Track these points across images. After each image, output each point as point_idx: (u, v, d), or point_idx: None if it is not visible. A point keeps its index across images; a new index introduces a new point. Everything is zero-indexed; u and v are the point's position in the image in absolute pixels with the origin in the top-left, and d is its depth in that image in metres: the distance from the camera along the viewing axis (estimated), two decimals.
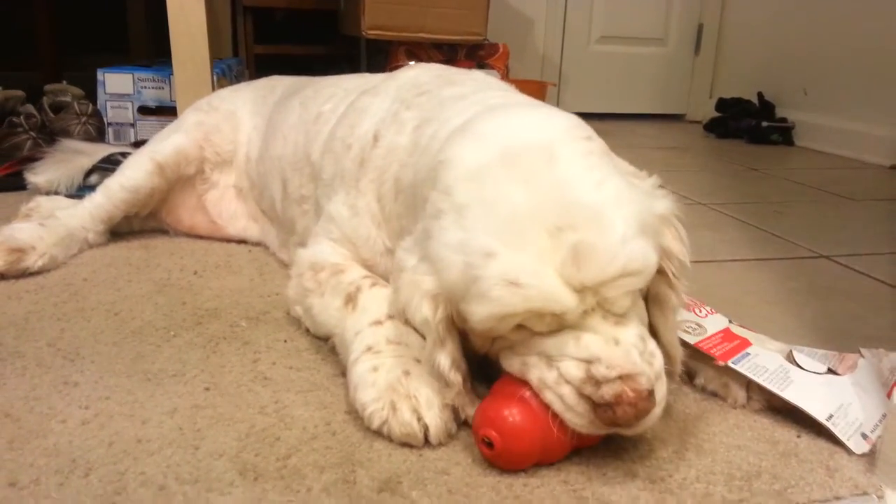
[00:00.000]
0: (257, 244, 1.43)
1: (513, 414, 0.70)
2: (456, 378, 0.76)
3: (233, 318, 1.07)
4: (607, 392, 0.67)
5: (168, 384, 0.87)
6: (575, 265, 0.67)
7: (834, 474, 0.74)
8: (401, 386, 0.78)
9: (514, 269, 0.67)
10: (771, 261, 1.48)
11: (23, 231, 1.24)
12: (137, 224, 1.45)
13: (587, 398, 0.68)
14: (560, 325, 0.70)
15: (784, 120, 3.15)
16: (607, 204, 0.69)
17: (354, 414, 0.81)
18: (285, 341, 1.00)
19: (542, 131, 0.76)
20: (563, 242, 0.67)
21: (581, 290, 0.68)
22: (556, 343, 0.71)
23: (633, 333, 0.71)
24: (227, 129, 1.45)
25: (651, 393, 0.68)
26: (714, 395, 0.88)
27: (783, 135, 3.11)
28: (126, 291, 1.16)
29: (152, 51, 3.37)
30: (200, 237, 1.46)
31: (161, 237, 1.46)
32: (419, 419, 0.76)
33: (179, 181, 1.42)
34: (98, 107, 2.18)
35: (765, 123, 3.13)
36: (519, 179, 0.70)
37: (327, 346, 0.97)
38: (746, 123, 3.17)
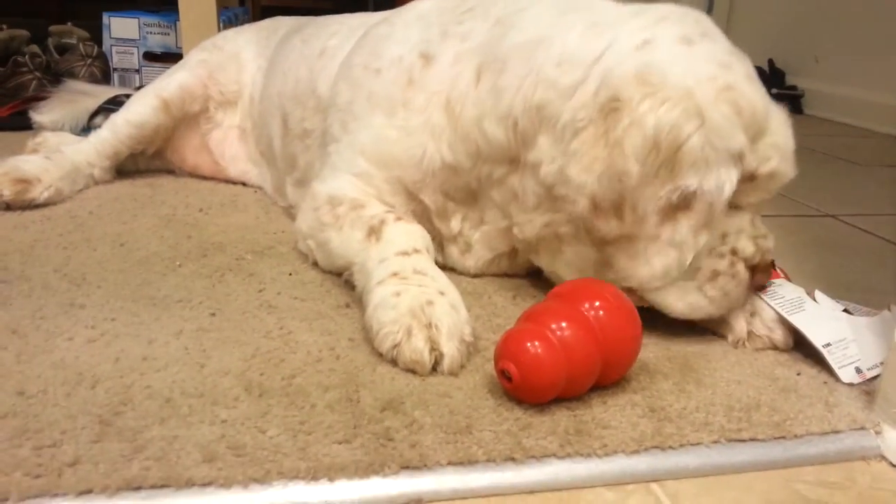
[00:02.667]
0: (257, 188, 1.43)
1: (535, 347, 0.69)
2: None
3: (238, 252, 1.07)
4: (768, 258, 0.87)
5: (174, 309, 0.88)
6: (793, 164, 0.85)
7: (833, 409, 0.75)
8: (422, 313, 0.78)
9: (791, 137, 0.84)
10: (777, 217, 1.47)
11: (29, 163, 1.24)
12: (143, 163, 1.45)
13: (749, 269, 0.85)
14: (755, 200, 0.86)
15: (794, 87, 3.12)
16: None
17: (358, 341, 0.82)
18: (290, 274, 1.00)
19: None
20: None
21: None
22: (736, 223, 0.85)
23: None
24: (232, 69, 1.44)
25: None
26: (714, 333, 0.89)
27: (792, 102, 3.08)
28: (132, 225, 1.16)
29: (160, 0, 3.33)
30: (204, 177, 1.45)
31: (166, 176, 1.46)
32: (432, 349, 0.76)
33: (184, 119, 1.41)
34: (103, 50, 2.16)
35: (774, 91, 3.10)
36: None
37: (335, 281, 0.98)
38: None
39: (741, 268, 0.84)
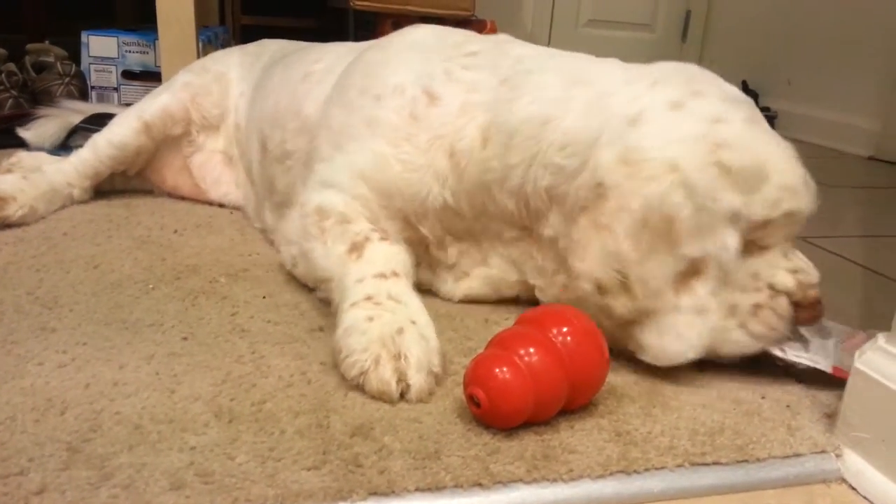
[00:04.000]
0: (237, 209, 1.43)
1: (503, 373, 0.70)
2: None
3: (212, 275, 1.07)
4: (811, 294, 0.85)
5: (146, 333, 0.88)
6: (811, 198, 0.85)
7: (795, 433, 0.76)
8: (392, 342, 0.79)
9: (803, 173, 0.86)
10: None
11: (4, 182, 1.24)
12: (121, 182, 1.45)
13: (793, 304, 0.84)
14: (779, 239, 0.85)
15: (767, 109, 3.17)
16: None
17: (330, 365, 0.83)
18: (264, 297, 1.01)
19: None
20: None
21: None
22: (767, 260, 0.85)
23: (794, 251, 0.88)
24: (216, 92, 1.44)
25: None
26: None
27: None
28: (106, 246, 1.16)
29: (138, 17, 3.33)
30: (183, 198, 1.46)
31: (143, 197, 1.45)
32: (399, 380, 0.77)
33: (166, 141, 1.41)
34: (81, 69, 2.16)
35: None
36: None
37: (309, 304, 0.99)
38: None
39: (783, 302, 0.84)
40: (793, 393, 0.84)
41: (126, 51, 2.27)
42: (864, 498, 0.70)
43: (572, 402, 0.74)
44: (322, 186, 1.03)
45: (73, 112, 1.72)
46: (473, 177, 0.96)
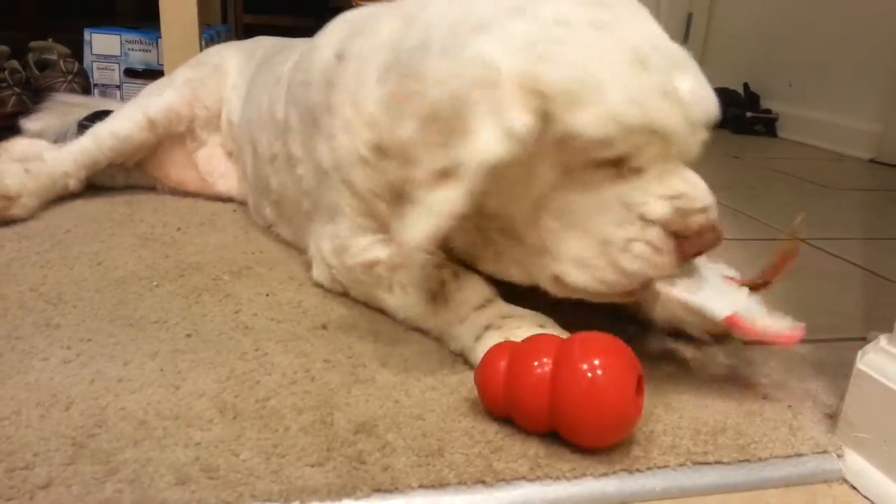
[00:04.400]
0: (242, 203, 1.43)
1: (486, 358, 0.74)
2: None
3: (215, 272, 1.07)
4: (695, 221, 0.75)
5: (150, 329, 0.88)
6: (694, 103, 0.75)
7: (796, 433, 0.76)
8: None
9: (663, 82, 0.74)
10: (747, 241, 1.50)
11: (8, 176, 1.25)
12: (122, 178, 1.45)
13: (672, 234, 0.75)
14: (649, 160, 0.75)
15: (768, 111, 3.18)
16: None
17: (334, 362, 0.83)
18: (267, 295, 1.01)
19: None
20: (683, 80, 0.75)
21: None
22: (640, 187, 0.76)
23: (694, 175, 0.79)
24: (213, 84, 1.45)
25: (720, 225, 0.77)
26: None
27: (766, 126, 3.14)
28: (109, 243, 1.16)
29: (140, 16, 3.33)
30: (188, 193, 1.46)
31: (145, 194, 1.46)
32: None
33: (169, 137, 1.42)
34: (84, 67, 2.16)
35: (749, 114, 3.15)
36: (620, 17, 0.78)
37: (312, 301, 0.99)
38: (731, 113, 3.19)
39: (655, 233, 0.75)
40: (795, 393, 0.84)
41: (129, 49, 2.28)
42: (866, 498, 0.71)
43: (566, 429, 0.70)
44: (333, 217, 1.01)
45: (79, 106, 1.73)
46: (371, 117, 0.91)
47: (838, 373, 0.90)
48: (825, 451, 0.74)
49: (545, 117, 0.73)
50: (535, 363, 0.69)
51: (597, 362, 0.67)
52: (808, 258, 1.42)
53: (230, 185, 1.45)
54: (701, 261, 0.83)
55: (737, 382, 0.86)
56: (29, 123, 1.67)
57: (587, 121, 0.72)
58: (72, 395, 0.72)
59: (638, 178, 0.76)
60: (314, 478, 0.63)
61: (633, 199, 0.76)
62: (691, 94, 0.76)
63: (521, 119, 0.72)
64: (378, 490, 0.63)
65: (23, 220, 1.24)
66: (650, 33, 0.79)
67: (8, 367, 0.77)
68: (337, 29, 1.07)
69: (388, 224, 0.90)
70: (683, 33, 3.82)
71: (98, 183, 1.42)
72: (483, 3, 0.83)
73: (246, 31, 3.22)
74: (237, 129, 1.40)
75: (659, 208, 0.75)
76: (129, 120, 1.39)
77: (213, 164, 1.45)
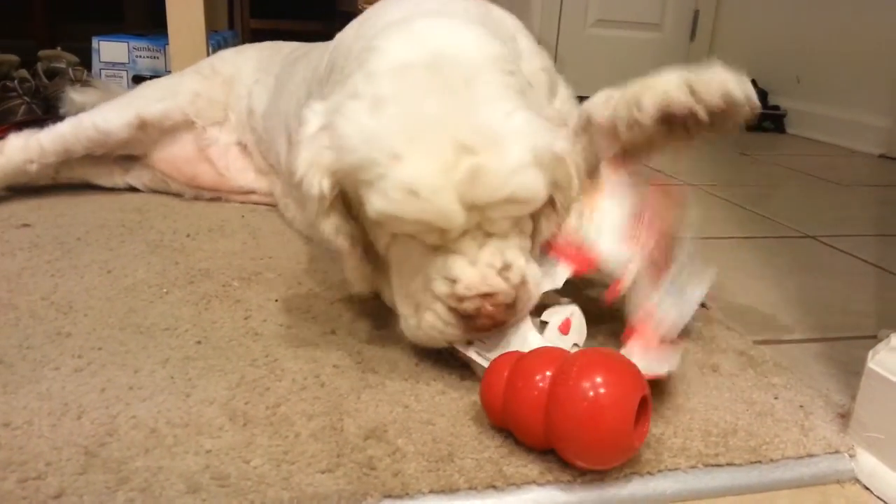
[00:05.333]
0: (261, 203, 1.46)
1: (491, 369, 0.74)
2: (343, 243, 0.83)
3: (225, 279, 1.08)
4: (468, 306, 0.76)
5: (160, 337, 0.89)
6: (470, 184, 0.73)
7: (808, 433, 0.76)
8: None
9: (417, 179, 0.72)
10: (757, 239, 1.50)
11: None
12: (121, 178, 1.49)
13: (455, 311, 0.77)
14: (442, 241, 0.77)
15: (776, 107, 3.16)
16: (510, 133, 0.75)
17: (343, 367, 0.83)
18: (276, 301, 1.01)
19: (474, 50, 0.81)
20: (464, 161, 0.73)
21: (469, 209, 0.74)
22: (436, 264, 0.78)
23: (493, 254, 0.78)
24: (221, 98, 1.46)
25: (511, 305, 0.77)
26: None
27: (775, 122, 3.12)
28: (119, 251, 1.17)
29: (148, 23, 3.35)
30: (201, 188, 1.47)
31: (155, 201, 1.47)
32: None
33: (167, 133, 1.43)
34: (92, 75, 2.17)
35: (758, 111, 3.14)
36: (438, 90, 0.76)
37: (321, 307, 0.99)
38: None
39: (440, 307, 0.78)
40: (806, 393, 0.84)
41: (136, 56, 2.29)
42: (879, 498, 0.70)
43: (561, 449, 0.67)
44: None
45: (114, 94, 1.77)
46: None
47: (850, 371, 0.90)
48: (837, 452, 0.74)
49: (335, 185, 0.80)
50: (535, 378, 0.67)
51: (597, 380, 0.63)
52: (821, 256, 1.42)
53: (249, 177, 1.46)
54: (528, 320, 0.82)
55: (748, 382, 0.85)
56: (75, 94, 1.72)
57: (366, 199, 0.76)
58: (83, 404, 0.73)
59: (441, 254, 0.78)
60: (325, 484, 0.63)
61: (429, 273, 0.79)
62: (467, 176, 0.72)
63: (320, 188, 0.80)
64: (389, 496, 0.63)
65: None
66: (464, 99, 0.76)
67: (19, 377, 0.78)
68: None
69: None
70: (690, 31, 3.81)
71: (98, 184, 1.43)
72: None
73: (252, 36, 3.22)
74: (263, 120, 1.40)
75: (440, 287, 0.78)
76: (117, 116, 1.40)
77: (229, 160, 1.46)
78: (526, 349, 0.76)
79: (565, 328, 0.83)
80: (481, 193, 0.74)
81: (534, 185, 0.76)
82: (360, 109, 0.77)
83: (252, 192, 1.46)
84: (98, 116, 1.40)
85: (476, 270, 0.77)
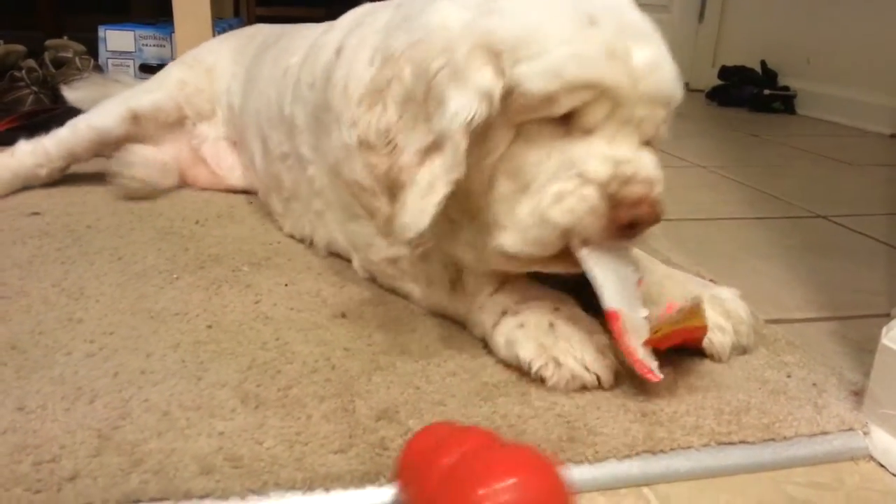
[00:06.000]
0: (253, 193, 1.43)
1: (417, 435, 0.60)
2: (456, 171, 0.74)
3: (235, 264, 1.08)
4: (634, 190, 0.72)
5: (171, 322, 0.89)
6: (647, 73, 0.73)
7: (821, 411, 0.76)
8: (554, 340, 0.78)
9: (615, 43, 0.72)
10: (768, 219, 1.49)
11: None
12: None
13: (609, 198, 0.72)
14: (599, 122, 0.74)
15: (786, 88, 3.14)
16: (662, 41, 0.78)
17: (353, 350, 0.83)
18: (286, 285, 1.01)
19: None
20: (639, 49, 0.73)
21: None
22: (585, 146, 0.74)
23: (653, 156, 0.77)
24: (206, 87, 1.46)
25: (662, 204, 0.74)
26: None
27: (785, 103, 3.10)
28: (129, 238, 1.17)
29: (155, 12, 3.35)
30: (203, 189, 1.47)
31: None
32: (587, 369, 0.77)
33: (163, 129, 1.43)
34: (99, 63, 2.18)
35: (767, 91, 3.11)
36: None
37: (330, 291, 0.99)
38: (748, 91, 3.16)
39: (591, 191, 0.72)
40: (819, 371, 0.83)
41: (143, 44, 2.29)
42: (894, 475, 0.70)
43: None
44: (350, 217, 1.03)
45: (117, 83, 1.77)
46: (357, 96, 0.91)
47: (863, 349, 0.90)
48: (851, 429, 0.74)
49: (500, 72, 0.73)
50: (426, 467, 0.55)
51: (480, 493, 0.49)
52: (832, 236, 1.41)
53: (237, 175, 1.45)
54: (639, 262, 0.81)
55: (761, 360, 0.85)
56: (69, 92, 1.73)
57: (530, 75, 0.71)
58: (96, 388, 0.73)
59: (586, 138, 0.74)
60: (337, 465, 0.63)
61: (575, 156, 0.74)
62: (646, 64, 0.74)
63: (484, 76, 0.72)
64: None
65: None
66: (615, 3, 0.78)
67: (32, 362, 0.78)
68: (344, 24, 1.06)
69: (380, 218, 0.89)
70: (699, 12, 3.78)
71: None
72: None
73: (258, 23, 3.22)
74: (239, 118, 1.39)
75: (599, 167, 0.73)
76: (109, 114, 1.41)
77: (220, 157, 1.46)
78: (624, 287, 0.75)
79: (639, 283, 0.79)
80: (654, 84, 0.74)
81: (680, 96, 0.78)
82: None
83: (245, 190, 1.44)
84: (94, 116, 1.42)
85: (647, 157, 0.75)
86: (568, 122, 0.74)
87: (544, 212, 0.74)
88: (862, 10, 2.82)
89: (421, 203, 0.74)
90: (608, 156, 0.73)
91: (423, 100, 0.75)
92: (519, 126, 0.75)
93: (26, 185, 1.40)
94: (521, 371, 0.79)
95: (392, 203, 0.78)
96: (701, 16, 3.76)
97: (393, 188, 0.77)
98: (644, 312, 0.77)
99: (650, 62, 0.74)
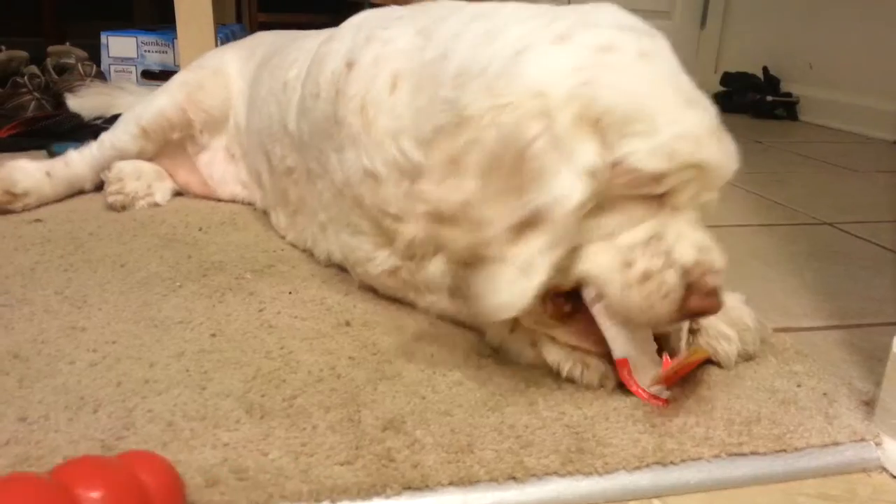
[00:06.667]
0: (248, 205, 1.43)
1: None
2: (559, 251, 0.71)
3: (238, 271, 1.07)
4: (711, 280, 0.71)
5: (174, 330, 0.88)
6: (719, 146, 0.73)
7: (833, 421, 0.75)
8: None
9: (712, 122, 0.73)
10: (773, 226, 1.48)
11: (24, 175, 1.32)
12: None
13: (687, 285, 0.70)
14: (689, 198, 0.73)
15: (789, 95, 3.13)
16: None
17: (359, 359, 0.82)
18: (290, 293, 1.00)
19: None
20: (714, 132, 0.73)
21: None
22: (674, 226, 0.73)
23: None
24: (213, 86, 1.43)
25: None
26: None
27: (787, 109, 3.09)
28: (132, 245, 1.17)
29: (156, 19, 3.35)
30: (196, 196, 1.47)
31: None
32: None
33: (168, 144, 1.43)
34: (101, 70, 2.18)
35: (769, 98, 3.11)
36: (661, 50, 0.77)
37: (335, 299, 0.99)
38: (751, 98, 3.15)
39: (671, 276, 0.71)
40: (829, 381, 0.82)
41: (145, 51, 2.29)
42: None
43: None
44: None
45: (121, 90, 1.77)
46: (382, 127, 0.90)
47: (873, 357, 0.89)
48: (863, 440, 0.73)
49: (605, 146, 0.70)
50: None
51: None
52: (838, 243, 1.40)
53: (230, 190, 1.44)
54: None
55: (770, 370, 0.84)
56: (72, 99, 1.78)
57: (642, 152, 0.69)
58: (99, 398, 0.72)
59: (674, 216, 0.73)
60: (344, 476, 0.63)
61: (666, 235, 0.72)
62: (723, 137, 0.74)
63: (589, 151, 0.69)
64: (408, 488, 0.62)
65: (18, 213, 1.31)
66: (677, 68, 0.77)
67: (35, 371, 0.77)
68: (347, 35, 1.04)
69: (399, 239, 0.91)
70: (700, 18, 3.77)
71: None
72: (515, 22, 0.81)
73: (260, 30, 3.22)
74: (244, 136, 1.39)
75: (687, 253, 0.71)
76: (124, 132, 1.43)
77: (213, 169, 1.45)
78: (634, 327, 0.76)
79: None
80: (723, 158, 0.73)
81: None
82: (627, 59, 0.73)
83: (233, 202, 1.44)
84: (112, 136, 1.44)
85: (716, 245, 0.74)
86: (661, 199, 0.73)
87: (630, 285, 0.72)
88: (865, 15, 2.82)
89: (519, 284, 0.70)
90: (695, 241, 0.72)
91: (513, 170, 0.69)
92: (607, 196, 0.71)
93: (74, 194, 1.43)
94: (529, 380, 0.78)
95: (467, 269, 0.73)
96: (703, 22, 3.76)
97: (474, 261, 0.72)
98: (653, 348, 0.80)
99: (719, 135, 0.74)
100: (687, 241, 0.72)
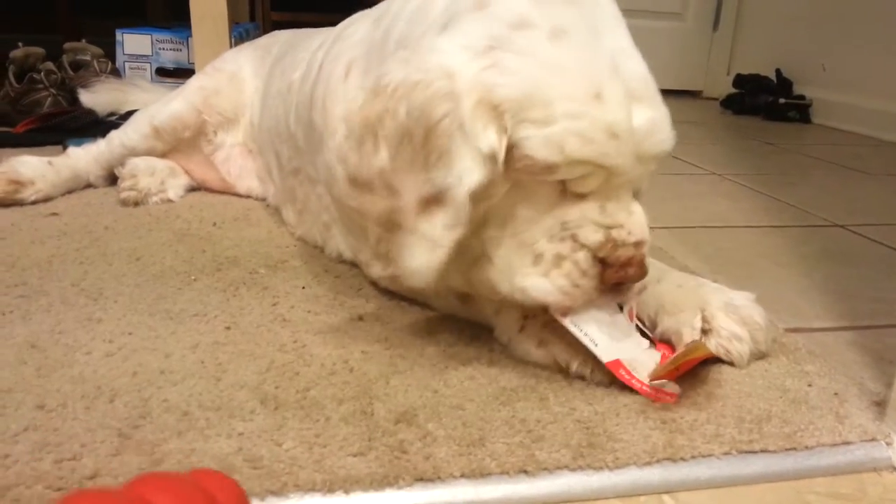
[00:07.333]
0: (262, 200, 1.44)
1: None
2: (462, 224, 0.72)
3: (252, 266, 1.08)
4: (623, 254, 0.74)
5: (190, 323, 0.89)
6: (648, 135, 0.74)
7: (843, 420, 0.75)
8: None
9: (618, 122, 0.71)
10: (784, 228, 1.48)
11: (27, 165, 1.34)
12: None
13: (600, 261, 0.74)
14: (599, 188, 0.74)
15: (801, 97, 3.12)
16: (656, 87, 0.76)
17: (371, 353, 0.83)
18: (303, 288, 1.01)
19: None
20: (640, 112, 0.73)
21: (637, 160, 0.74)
22: (579, 211, 0.75)
23: (638, 205, 0.78)
24: (229, 91, 1.45)
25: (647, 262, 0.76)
26: None
27: (800, 112, 3.09)
28: (147, 239, 1.18)
29: (170, 17, 3.37)
30: (213, 191, 1.48)
31: None
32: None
33: (180, 143, 1.44)
34: (117, 67, 2.19)
35: (782, 100, 3.10)
36: (593, 29, 0.74)
37: (348, 294, 0.99)
38: (763, 100, 3.14)
39: (582, 256, 0.74)
40: (840, 381, 0.82)
41: (160, 48, 2.30)
42: None
43: None
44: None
45: (134, 87, 1.79)
46: (336, 115, 0.90)
47: (884, 359, 0.89)
48: (873, 439, 0.73)
49: (503, 130, 0.71)
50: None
51: None
52: (850, 245, 1.40)
53: (248, 185, 1.46)
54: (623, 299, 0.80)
55: (781, 369, 0.84)
56: (85, 94, 1.82)
57: (533, 141, 0.70)
58: (115, 388, 0.73)
59: (580, 201, 0.75)
60: (357, 467, 0.63)
61: (570, 220, 0.75)
62: (646, 127, 0.73)
63: (489, 137, 0.70)
64: (420, 479, 0.63)
65: (32, 203, 1.34)
66: (614, 45, 0.75)
67: (53, 361, 0.78)
68: (329, 38, 1.07)
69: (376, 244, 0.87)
70: (713, 20, 3.77)
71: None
72: None
73: (274, 28, 3.23)
74: (258, 134, 1.40)
75: (592, 234, 0.75)
76: (136, 131, 1.45)
77: (230, 165, 1.46)
78: (615, 331, 0.77)
79: (631, 315, 0.81)
80: (652, 146, 0.74)
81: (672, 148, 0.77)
82: (537, 39, 0.72)
83: (249, 197, 1.45)
84: (123, 134, 1.46)
85: (637, 218, 0.76)
86: (563, 184, 0.74)
87: (547, 273, 0.75)
88: (878, 17, 2.81)
89: (427, 257, 0.73)
90: (600, 222, 0.75)
91: (422, 144, 0.71)
92: (514, 178, 0.74)
93: (80, 188, 1.46)
94: (540, 376, 0.79)
95: (391, 234, 0.76)
96: (716, 24, 3.76)
97: (392, 226, 0.76)
98: (645, 344, 0.80)
99: (650, 125, 0.74)
100: (589, 226, 0.75)
